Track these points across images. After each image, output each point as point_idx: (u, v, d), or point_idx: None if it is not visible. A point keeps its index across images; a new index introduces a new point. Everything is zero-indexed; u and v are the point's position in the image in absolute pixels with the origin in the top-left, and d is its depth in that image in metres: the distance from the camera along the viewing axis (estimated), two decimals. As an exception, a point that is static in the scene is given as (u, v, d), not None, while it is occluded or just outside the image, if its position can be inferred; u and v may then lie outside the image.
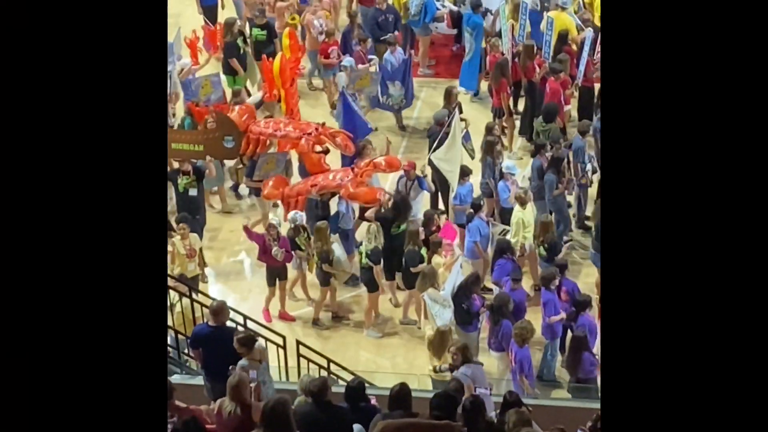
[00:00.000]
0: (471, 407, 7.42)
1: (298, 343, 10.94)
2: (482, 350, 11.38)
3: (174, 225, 12.33)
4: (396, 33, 16.00)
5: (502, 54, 15.22)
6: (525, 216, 12.28)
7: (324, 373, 10.44)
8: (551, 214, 12.75)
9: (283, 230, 12.44)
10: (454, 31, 17.37)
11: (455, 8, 17.16)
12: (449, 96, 14.37)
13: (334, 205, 13.03)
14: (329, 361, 10.84)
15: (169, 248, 11.87)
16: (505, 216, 12.88)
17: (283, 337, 10.92)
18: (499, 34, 15.66)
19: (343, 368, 10.90)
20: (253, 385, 7.99)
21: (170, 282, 11.43)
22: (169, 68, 15.08)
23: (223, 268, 13.62)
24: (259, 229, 12.88)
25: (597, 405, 7.99)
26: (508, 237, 12.24)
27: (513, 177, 12.97)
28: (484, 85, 16.26)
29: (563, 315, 11.18)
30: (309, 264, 12.44)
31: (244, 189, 14.58)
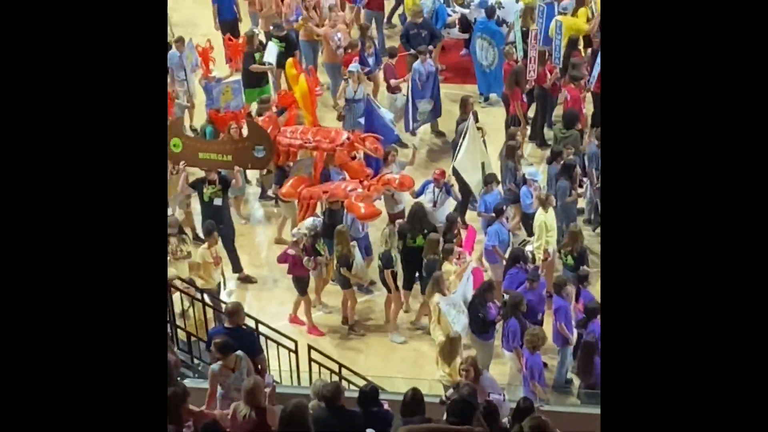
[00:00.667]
0: (485, 413, 7.45)
1: (310, 347, 10.97)
2: (496, 356, 11.39)
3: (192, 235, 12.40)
4: (430, 47, 15.92)
5: (516, 61, 15.24)
6: (547, 219, 12.25)
7: (336, 378, 10.46)
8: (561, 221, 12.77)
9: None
10: (466, 36, 17.39)
11: (466, 11, 17.17)
12: (465, 105, 14.37)
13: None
14: (341, 366, 10.85)
15: (198, 260, 11.91)
16: (527, 222, 12.87)
17: (295, 342, 10.94)
18: (513, 42, 15.67)
19: (355, 373, 10.92)
20: (268, 389, 8.02)
21: (182, 286, 11.52)
22: (181, 75, 15.18)
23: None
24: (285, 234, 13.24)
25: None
26: (529, 246, 12.21)
27: (536, 183, 12.94)
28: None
29: (572, 339, 11.19)
30: (327, 269, 12.47)
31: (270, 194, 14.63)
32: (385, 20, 18.30)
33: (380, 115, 14.30)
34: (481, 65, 16.24)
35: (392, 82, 15.42)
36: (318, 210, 13.11)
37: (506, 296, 11.47)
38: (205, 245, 12.06)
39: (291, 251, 12.15)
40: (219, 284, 12.29)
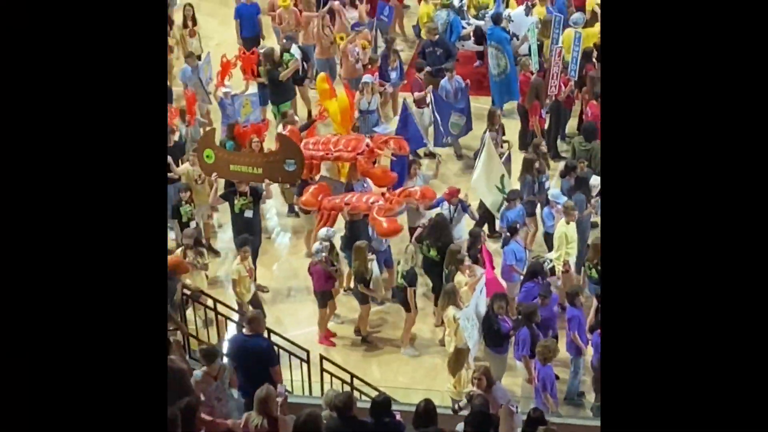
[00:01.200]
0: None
1: (322, 357, 10.98)
2: (509, 369, 11.36)
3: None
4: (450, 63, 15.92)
5: (532, 73, 15.24)
6: (568, 231, 12.21)
7: (348, 389, 10.47)
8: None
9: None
10: (481, 48, 17.39)
11: (481, 23, 17.16)
12: (492, 117, 14.39)
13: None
14: (353, 376, 10.86)
15: (233, 276, 11.92)
16: (549, 242, 12.82)
17: (307, 352, 10.95)
18: (528, 53, 15.66)
19: (367, 384, 10.92)
20: (280, 399, 8.04)
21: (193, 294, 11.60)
22: (192, 88, 15.24)
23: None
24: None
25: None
26: (547, 263, 12.20)
27: (558, 206, 12.76)
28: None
29: (585, 349, 11.17)
30: (340, 279, 12.48)
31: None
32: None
33: (414, 120, 14.29)
34: (493, 75, 16.23)
35: (416, 95, 15.41)
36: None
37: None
38: (238, 259, 12.06)
39: (317, 268, 12.12)
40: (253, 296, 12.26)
